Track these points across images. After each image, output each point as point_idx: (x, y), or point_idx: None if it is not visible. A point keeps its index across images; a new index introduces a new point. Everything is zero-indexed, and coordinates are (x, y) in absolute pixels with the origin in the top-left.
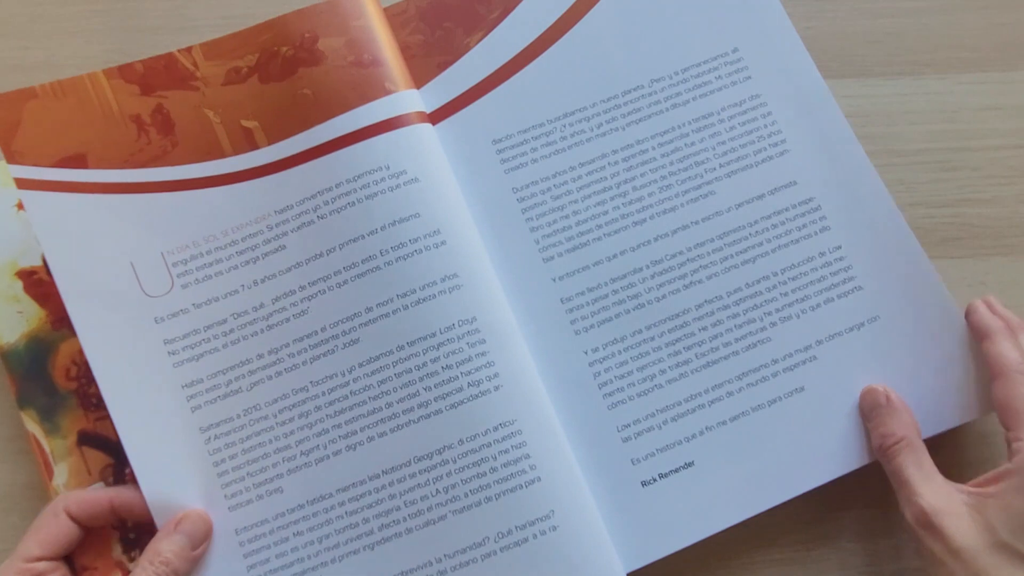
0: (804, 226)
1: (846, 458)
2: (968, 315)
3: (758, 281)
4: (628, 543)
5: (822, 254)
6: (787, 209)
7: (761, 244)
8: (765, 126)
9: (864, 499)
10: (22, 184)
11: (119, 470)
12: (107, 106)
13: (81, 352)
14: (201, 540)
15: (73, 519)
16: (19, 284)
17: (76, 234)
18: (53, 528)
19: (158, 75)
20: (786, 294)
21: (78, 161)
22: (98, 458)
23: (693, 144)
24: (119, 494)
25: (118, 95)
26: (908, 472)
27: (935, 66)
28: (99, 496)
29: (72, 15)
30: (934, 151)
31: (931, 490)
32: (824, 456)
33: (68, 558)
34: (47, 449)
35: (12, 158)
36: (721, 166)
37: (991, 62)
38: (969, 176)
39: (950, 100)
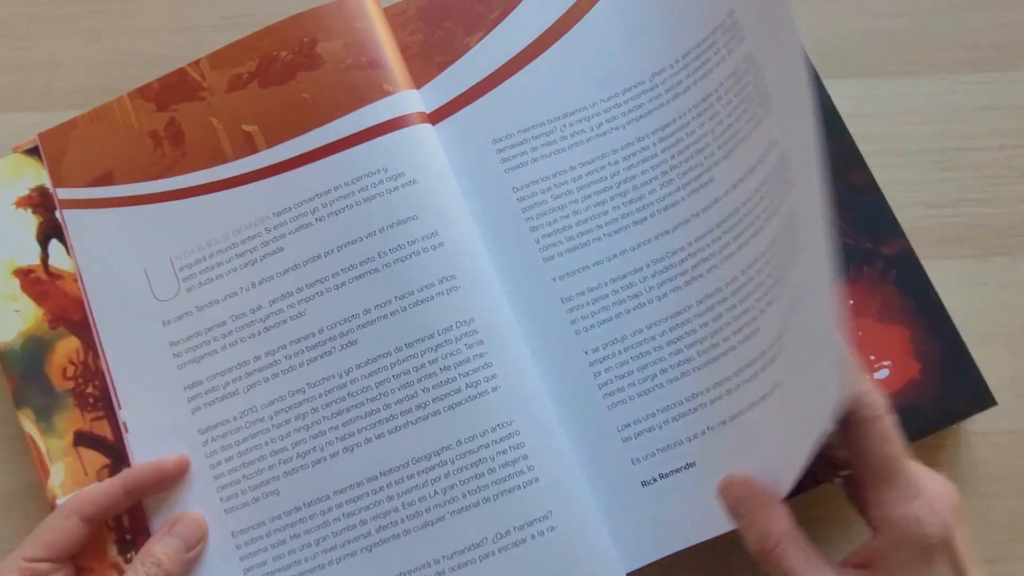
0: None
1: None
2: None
3: (750, 265)
4: (628, 543)
5: None
6: (772, 176)
7: (753, 223)
8: (756, 88)
9: None
10: (64, 204)
11: (115, 471)
12: (130, 126)
13: (78, 351)
14: (195, 542)
15: (88, 520)
16: (16, 283)
17: (104, 246)
18: (60, 531)
19: (171, 90)
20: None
21: (107, 179)
22: (95, 458)
23: (694, 132)
24: (128, 476)
25: (139, 114)
26: (799, 572)
27: (935, 66)
28: (110, 487)
29: (72, 15)
30: (934, 151)
31: None
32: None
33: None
34: (43, 449)
35: (59, 182)
36: (719, 148)
37: (991, 62)
38: (969, 176)
39: (950, 100)
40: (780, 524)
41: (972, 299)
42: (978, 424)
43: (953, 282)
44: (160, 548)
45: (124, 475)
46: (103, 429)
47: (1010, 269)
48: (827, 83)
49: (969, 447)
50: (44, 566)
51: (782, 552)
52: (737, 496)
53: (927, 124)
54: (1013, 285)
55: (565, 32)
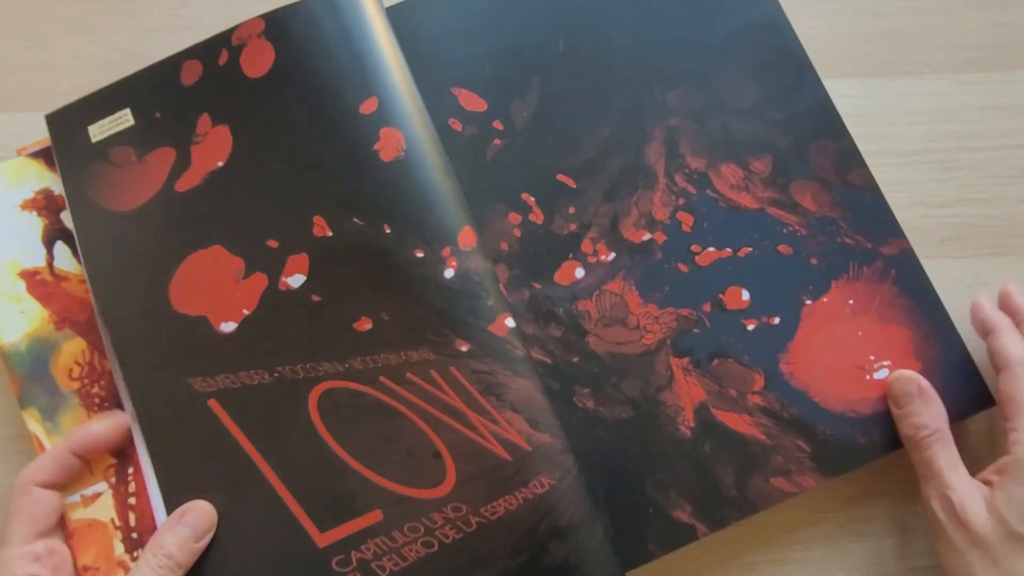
0: None
1: (849, 457)
2: (972, 311)
3: None
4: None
5: None
6: None
7: None
8: None
9: (864, 500)
10: None
11: (121, 470)
12: None
13: (84, 352)
14: (204, 532)
15: (47, 486)
16: (22, 284)
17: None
18: (29, 504)
19: None
20: None
21: None
22: (101, 457)
23: None
24: (71, 435)
25: None
26: (939, 464)
27: (935, 66)
28: (55, 450)
29: (72, 15)
30: (934, 151)
31: (960, 483)
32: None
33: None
34: (48, 448)
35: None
36: None
37: (991, 62)
38: (969, 176)
39: (950, 100)
40: (935, 420)
41: (972, 299)
42: (978, 424)
43: (953, 282)
44: (170, 538)
45: (68, 437)
46: None
47: (1010, 269)
48: (827, 83)
49: (969, 447)
50: (39, 547)
51: (929, 442)
52: (902, 390)
53: (927, 124)
54: None
55: None
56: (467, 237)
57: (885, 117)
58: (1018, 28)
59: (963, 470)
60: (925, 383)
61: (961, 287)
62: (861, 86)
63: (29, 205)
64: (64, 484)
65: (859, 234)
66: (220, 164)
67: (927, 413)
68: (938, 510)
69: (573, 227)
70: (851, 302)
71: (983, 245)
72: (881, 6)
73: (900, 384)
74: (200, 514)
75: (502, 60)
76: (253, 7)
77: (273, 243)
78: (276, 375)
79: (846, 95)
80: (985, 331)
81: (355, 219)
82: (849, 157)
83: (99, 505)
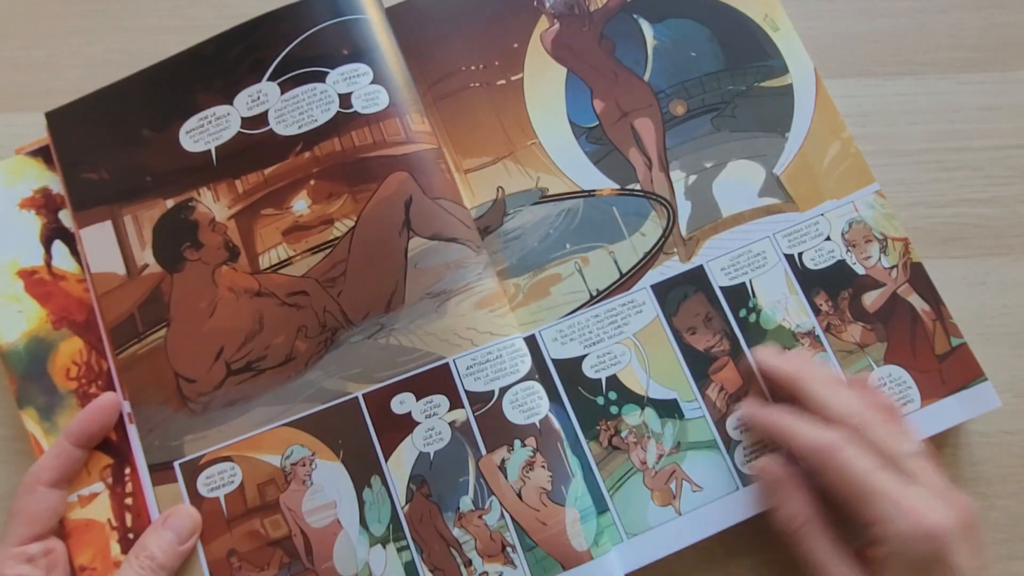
0: None
1: None
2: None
3: None
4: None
5: None
6: None
7: None
8: None
9: None
10: None
11: (119, 470)
12: None
13: (82, 352)
14: (188, 535)
15: (52, 485)
16: (20, 284)
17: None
18: (32, 504)
19: None
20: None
21: None
22: (97, 458)
23: None
24: (70, 429)
25: None
26: (820, 556)
27: (935, 66)
28: (57, 447)
29: (72, 15)
30: (934, 151)
31: (842, 572)
32: None
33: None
34: (46, 448)
35: None
36: None
37: (991, 62)
38: (969, 176)
39: (950, 100)
40: (806, 509)
41: (972, 299)
42: (978, 424)
43: (953, 282)
44: (154, 541)
45: (66, 430)
46: None
47: (1010, 269)
48: (827, 83)
49: (969, 447)
50: (34, 547)
51: (805, 534)
52: (767, 481)
53: (927, 124)
54: (1013, 285)
55: None
56: None
57: (885, 117)
58: (1018, 28)
59: (842, 553)
60: (786, 471)
61: (961, 287)
62: (861, 86)
63: (27, 204)
64: (69, 479)
65: None
66: None
67: (795, 504)
68: None
69: None
70: None
71: (983, 245)
72: (881, 6)
73: (764, 476)
74: (184, 517)
75: None
76: (253, 7)
77: None
78: None
79: (846, 95)
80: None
81: None
82: None
83: (96, 505)
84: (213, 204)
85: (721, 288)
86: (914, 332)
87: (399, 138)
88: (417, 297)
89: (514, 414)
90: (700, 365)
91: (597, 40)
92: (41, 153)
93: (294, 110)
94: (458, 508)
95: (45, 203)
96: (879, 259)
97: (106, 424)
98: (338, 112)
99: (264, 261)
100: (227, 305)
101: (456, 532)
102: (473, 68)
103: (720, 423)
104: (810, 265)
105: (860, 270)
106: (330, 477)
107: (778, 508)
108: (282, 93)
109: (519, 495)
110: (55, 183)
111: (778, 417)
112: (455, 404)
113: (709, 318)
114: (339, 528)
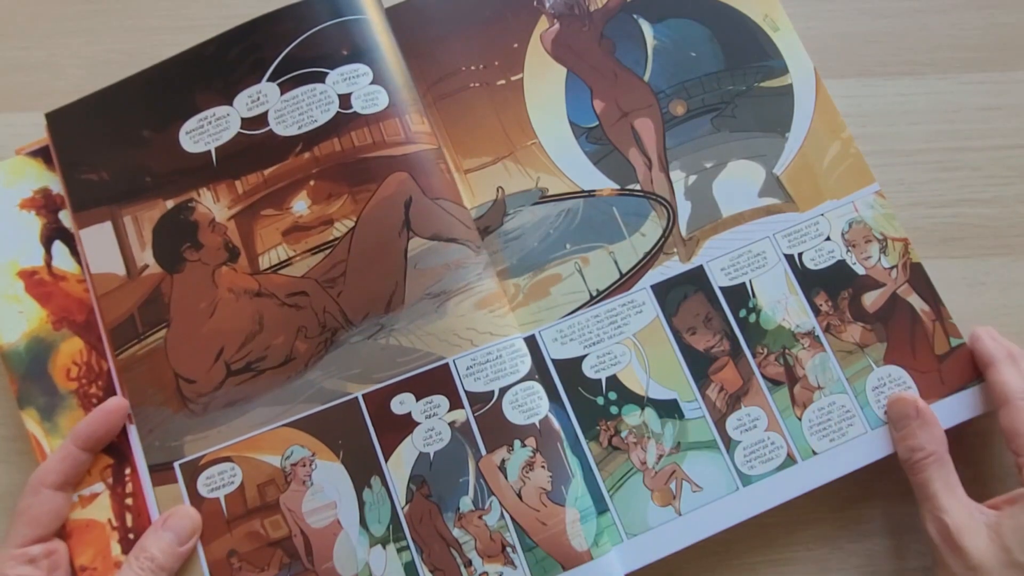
0: None
1: (847, 459)
2: (972, 343)
3: None
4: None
5: None
6: None
7: None
8: None
9: (864, 501)
10: None
11: (119, 471)
12: None
13: (82, 352)
14: (188, 536)
15: (57, 487)
16: (20, 284)
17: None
18: (36, 506)
19: None
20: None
21: None
22: (98, 458)
23: None
24: (76, 433)
25: None
26: (935, 487)
27: (935, 66)
28: (63, 450)
29: (72, 15)
30: (934, 151)
31: (956, 507)
32: (824, 456)
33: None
34: (47, 449)
35: None
36: None
37: (991, 62)
38: (969, 176)
39: (950, 100)
40: (932, 443)
41: (972, 299)
42: (978, 424)
43: (953, 282)
44: (153, 543)
45: (72, 433)
46: None
47: (1010, 269)
48: (827, 83)
49: (969, 447)
50: (36, 549)
51: (924, 465)
52: (899, 412)
53: (927, 124)
54: (1013, 285)
55: None
56: None
57: (885, 117)
58: (1018, 28)
59: (961, 493)
60: (923, 405)
61: (961, 287)
62: (861, 86)
63: (27, 204)
64: (74, 482)
65: None
66: None
67: (923, 436)
68: (933, 534)
69: None
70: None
71: (983, 245)
72: (881, 6)
73: (897, 406)
74: (183, 518)
75: None
76: (253, 7)
77: None
78: None
79: (846, 95)
80: (984, 364)
81: None
82: None
83: (96, 505)
84: (213, 205)
85: (721, 288)
86: (914, 332)
87: (399, 138)
88: (417, 297)
89: (514, 414)
90: (700, 365)
91: (597, 40)
92: (41, 153)
93: (294, 110)
94: (458, 508)
95: (45, 203)
96: (879, 259)
97: (112, 428)
98: (338, 112)
99: (264, 261)
100: (227, 306)
101: (456, 532)
102: (473, 68)
103: (720, 423)
104: (810, 265)
105: (860, 270)
106: (330, 477)
107: (907, 439)
108: (282, 93)
109: (519, 495)
110: (55, 183)
111: (1006, 348)
112: (455, 404)
113: (709, 318)
114: (339, 528)
